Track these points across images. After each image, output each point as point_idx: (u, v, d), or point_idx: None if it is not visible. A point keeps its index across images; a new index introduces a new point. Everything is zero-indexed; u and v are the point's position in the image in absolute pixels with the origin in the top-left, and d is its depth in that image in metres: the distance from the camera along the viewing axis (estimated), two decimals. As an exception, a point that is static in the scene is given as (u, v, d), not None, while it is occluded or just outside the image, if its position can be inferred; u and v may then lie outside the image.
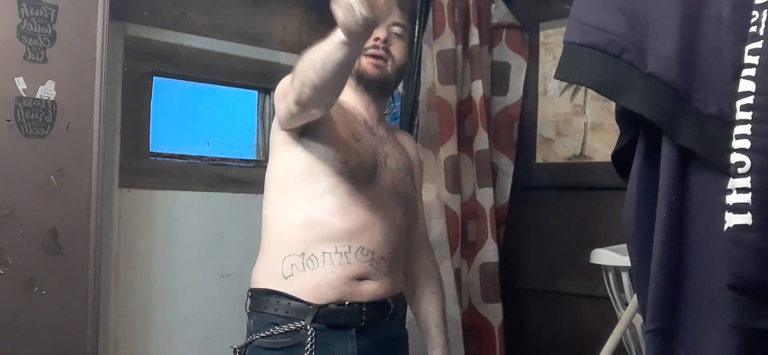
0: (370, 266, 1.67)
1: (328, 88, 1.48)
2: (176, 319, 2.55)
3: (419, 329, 1.89)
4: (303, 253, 1.64)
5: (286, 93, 1.57)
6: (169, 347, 2.54)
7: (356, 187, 1.68)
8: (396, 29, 1.78)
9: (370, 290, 1.68)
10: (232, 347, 1.68)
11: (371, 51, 1.75)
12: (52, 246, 1.93)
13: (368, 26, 1.30)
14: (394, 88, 1.89)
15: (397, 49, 1.79)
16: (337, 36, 1.37)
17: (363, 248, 1.67)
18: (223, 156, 2.74)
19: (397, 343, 1.78)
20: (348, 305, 1.65)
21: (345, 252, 1.64)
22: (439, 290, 1.92)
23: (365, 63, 1.76)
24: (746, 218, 0.90)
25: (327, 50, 1.41)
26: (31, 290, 1.89)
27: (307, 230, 1.66)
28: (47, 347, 1.91)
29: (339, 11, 1.29)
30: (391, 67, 1.78)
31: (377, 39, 1.73)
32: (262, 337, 1.64)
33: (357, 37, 1.35)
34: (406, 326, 1.84)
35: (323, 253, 1.64)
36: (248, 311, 1.72)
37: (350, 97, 1.80)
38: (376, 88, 1.79)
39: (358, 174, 1.68)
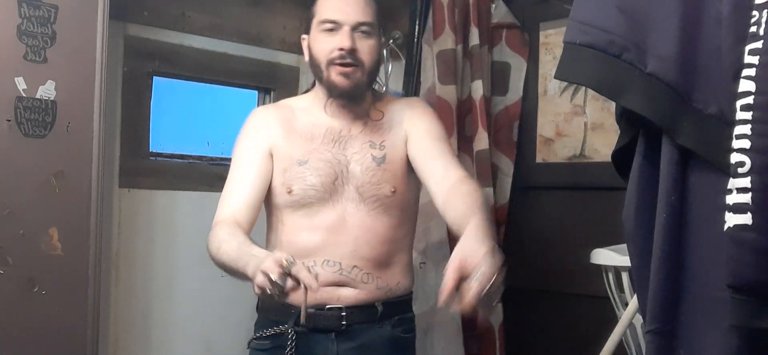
0: (340, 275, 1.70)
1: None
2: (176, 319, 2.55)
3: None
4: None
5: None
6: (169, 347, 2.54)
7: (312, 207, 1.70)
8: (363, 29, 1.67)
9: (350, 295, 1.71)
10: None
11: (338, 62, 1.66)
12: (52, 246, 1.92)
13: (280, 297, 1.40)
14: (368, 87, 1.78)
15: (366, 52, 1.68)
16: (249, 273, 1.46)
17: (329, 260, 1.70)
18: (223, 156, 2.73)
19: (389, 346, 1.76)
20: (328, 309, 1.70)
21: (312, 265, 1.66)
22: (476, 199, 1.59)
23: (334, 75, 1.67)
24: (746, 218, 0.90)
25: (233, 268, 1.56)
26: (31, 290, 1.89)
27: (277, 249, 1.72)
28: (47, 347, 1.91)
29: (256, 283, 1.41)
30: (361, 73, 1.68)
31: (342, 49, 1.65)
32: (254, 338, 1.77)
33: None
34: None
35: None
36: (257, 310, 1.83)
37: (317, 108, 1.77)
38: (348, 97, 1.71)
39: (308, 197, 1.70)
